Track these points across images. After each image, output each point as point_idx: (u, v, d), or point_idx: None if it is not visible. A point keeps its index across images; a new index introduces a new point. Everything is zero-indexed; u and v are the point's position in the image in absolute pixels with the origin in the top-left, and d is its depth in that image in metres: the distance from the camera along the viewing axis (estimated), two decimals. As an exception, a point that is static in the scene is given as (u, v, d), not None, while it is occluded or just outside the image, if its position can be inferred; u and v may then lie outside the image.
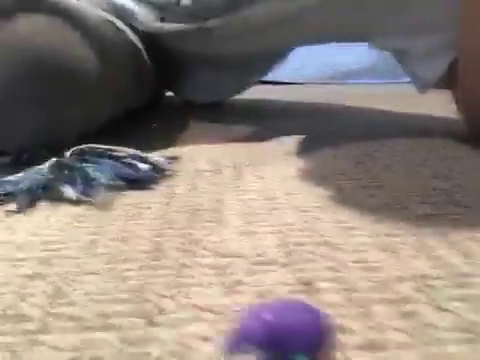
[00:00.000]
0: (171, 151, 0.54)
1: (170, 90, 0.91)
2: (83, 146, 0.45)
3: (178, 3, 0.71)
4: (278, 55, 0.86)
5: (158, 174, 0.44)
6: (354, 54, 1.34)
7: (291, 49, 0.86)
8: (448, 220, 0.33)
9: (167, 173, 0.45)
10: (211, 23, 0.68)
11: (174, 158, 0.49)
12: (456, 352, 0.19)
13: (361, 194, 0.38)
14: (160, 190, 0.41)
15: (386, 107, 0.91)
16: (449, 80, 0.55)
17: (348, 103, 0.98)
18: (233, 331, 0.10)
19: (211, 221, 0.34)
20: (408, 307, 0.23)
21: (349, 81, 1.35)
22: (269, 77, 1.02)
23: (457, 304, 0.22)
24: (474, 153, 0.50)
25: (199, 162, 0.50)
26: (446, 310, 0.22)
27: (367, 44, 0.65)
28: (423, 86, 0.58)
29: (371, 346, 0.20)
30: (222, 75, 0.86)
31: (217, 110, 0.85)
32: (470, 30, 0.49)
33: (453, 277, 0.25)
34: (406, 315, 0.22)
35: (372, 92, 1.21)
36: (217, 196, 0.39)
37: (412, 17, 0.57)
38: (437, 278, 0.25)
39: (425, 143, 0.55)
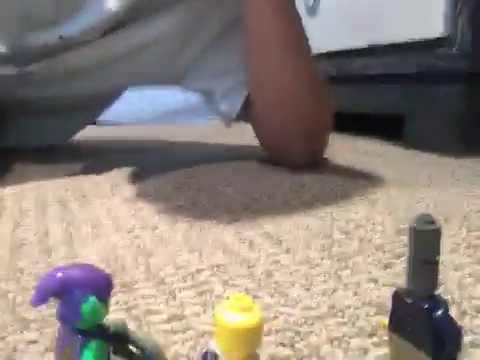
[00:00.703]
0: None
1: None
2: None
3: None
4: (107, 98, 0.90)
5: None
6: (181, 95, 1.46)
7: (122, 91, 0.92)
8: (244, 223, 0.41)
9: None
10: (31, 68, 0.69)
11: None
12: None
13: (178, 212, 0.45)
14: (-19, 231, 0.41)
15: (207, 140, 1.02)
16: (248, 113, 0.67)
17: (173, 139, 1.07)
18: (34, 288, 0.15)
19: (35, 252, 0.36)
20: (204, 287, 0.29)
21: (178, 120, 1.47)
22: (103, 118, 1.06)
23: (244, 280, 0.30)
24: (269, 171, 0.62)
25: (23, 202, 0.51)
26: (233, 284, 0.29)
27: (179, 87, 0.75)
28: (227, 120, 0.69)
29: (172, 318, 0.25)
30: (48, 120, 0.86)
31: (45, 152, 0.84)
32: (253, 75, 0.61)
33: (239, 262, 0.33)
34: (201, 293, 0.28)
35: (198, 128, 1.33)
36: (42, 229, 0.41)
37: (215, 63, 0.68)
38: (228, 264, 0.33)
39: (232, 167, 0.65)
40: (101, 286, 0.16)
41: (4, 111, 0.80)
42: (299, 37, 0.59)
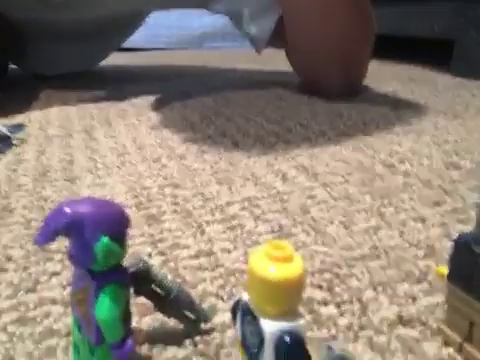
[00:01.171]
0: (18, 119, 0.52)
1: (15, 63, 0.85)
2: None
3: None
4: (131, 22, 0.85)
5: (1, 143, 0.42)
6: (208, 18, 1.38)
7: (144, 16, 0.86)
8: (277, 155, 0.38)
9: (14, 142, 0.44)
10: None
11: (20, 126, 0.47)
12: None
13: (206, 142, 0.43)
14: (6, 159, 0.40)
15: (237, 66, 0.97)
16: (281, 39, 0.61)
17: (201, 64, 1.02)
18: (41, 225, 0.13)
19: (59, 180, 0.35)
20: (234, 222, 0.27)
21: (205, 45, 1.39)
22: (127, 44, 1.01)
23: (277, 215, 0.28)
24: (303, 100, 0.58)
25: (48, 128, 0.49)
26: (265, 219, 0.27)
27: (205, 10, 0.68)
28: (258, 45, 0.63)
29: (200, 254, 0.24)
30: (73, 47, 0.82)
31: (70, 79, 0.82)
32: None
33: (272, 196, 0.31)
34: (232, 228, 0.27)
35: (225, 54, 1.27)
36: (67, 158, 0.40)
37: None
38: (260, 198, 0.30)
39: (264, 95, 0.61)
40: (115, 224, 0.14)
41: (28, 37, 0.77)
42: None
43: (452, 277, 0.16)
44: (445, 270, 0.17)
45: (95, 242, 0.13)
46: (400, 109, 0.52)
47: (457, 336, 0.16)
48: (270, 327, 0.12)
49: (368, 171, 0.34)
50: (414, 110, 0.51)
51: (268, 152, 0.39)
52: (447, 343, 0.17)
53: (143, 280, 0.17)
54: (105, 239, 0.13)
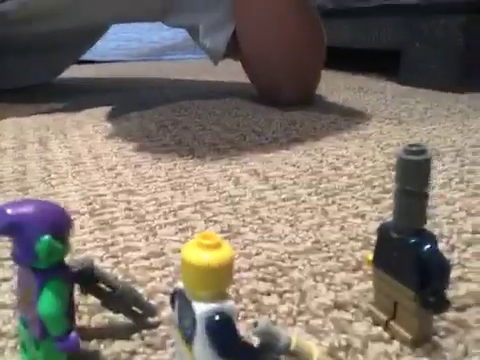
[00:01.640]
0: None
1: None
2: None
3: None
4: (90, 34, 0.85)
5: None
6: (168, 31, 1.39)
7: (103, 29, 0.86)
8: (231, 160, 0.40)
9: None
10: (5, 6, 0.64)
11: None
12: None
13: (161, 150, 0.43)
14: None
15: (197, 78, 0.98)
16: (238, 51, 0.63)
17: (160, 76, 1.02)
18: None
19: (11, 190, 0.34)
20: (185, 224, 0.28)
21: (165, 57, 1.40)
22: (87, 56, 1.01)
23: (227, 217, 0.29)
24: (259, 109, 0.60)
25: (2, 141, 0.49)
26: (215, 221, 0.28)
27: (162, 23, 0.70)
28: (215, 57, 0.65)
29: (151, 255, 0.25)
30: (32, 59, 0.81)
31: (28, 91, 0.81)
32: (240, 3, 0.57)
33: (224, 199, 0.32)
34: (183, 230, 0.27)
35: (185, 65, 1.28)
36: (20, 169, 0.39)
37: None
38: (212, 202, 0.31)
39: (221, 105, 0.63)
40: (56, 223, 0.14)
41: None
42: None
43: (376, 261, 0.18)
44: (371, 256, 0.18)
45: (36, 240, 0.14)
46: (349, 116, 0.54)
47: (384, 315, 0.18)
48: (201, 308, 0.13)
49: (316, 173, 0.36)
50: (362, 117, 0.54)
51: (222, 158, 0.40)
52: (376, 322, 0.18)
53: (88, 278, 0.17)
54: (46, 237, 0.14)
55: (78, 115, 0.60)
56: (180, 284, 0.14)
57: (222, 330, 0.12)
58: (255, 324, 0.13)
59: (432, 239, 0.16)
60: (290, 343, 0.13)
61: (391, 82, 0.79)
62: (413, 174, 0.15)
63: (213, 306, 0.13)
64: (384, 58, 0.87)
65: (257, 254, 0.24)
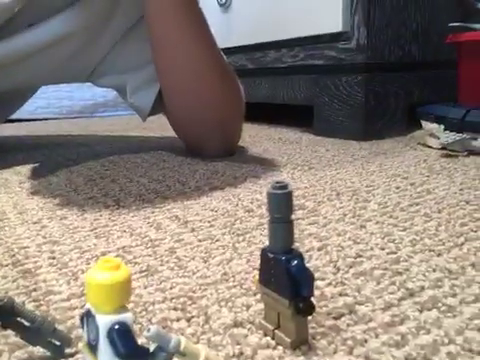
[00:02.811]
0: None
1: None
2: None
3: None
4: (19, 95, 0.86)
5: None
6: (99, 89, 1.43)
7: (33, 90, 0.88)
8: (154, 209, 0.43)
9: None
10: None
11: None
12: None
13: (88, 203, 0.45)
14: None
15: (127, 133, 1.02)
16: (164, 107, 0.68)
17: (90, 133, 1.05)
18: None
19: None
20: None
21: (96, 114, 1.43)
22: (16, 115, 1.01)
23: (147, 258, 0.31)
24: (185, 161, 0.64)
25: None
26: (135, 262, 0.31)
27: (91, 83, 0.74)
28: (142, 114, 0.69)
29: (72, 296, 0.27)
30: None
31: None
32: (159, 65, 0.62)
33: (145, 243, 0.34)
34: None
35: (116, 122, 1.31)
36: None
37: (125, 59, 0.68)
38: (134, 246, 0.34)
39: (149, 158, 0.66)
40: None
41: None
42: (202, 31, 0.61)
43: (261, 279, 0.21)
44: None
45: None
46: (267, 165, 0.60)
47: (271, 326, 0.21)
48: (103, 320, 0.15)
49: (231, 216, 0.40)
50: (277, 165, 0.60)
51: (146, 207, 0.43)
52: (266, 333, 0.22)
53: (8, 313, 0.19)
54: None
55: (4, 173, 0.60)
56: (88, 305, 0.17)
57: (120, 337, 0.15)
58: (148, 330, 0.15)
59: (299, 256, 0.20)
60: (180, 344, 0.16)
61: (307, 133, 0.87)
62: (278, 204, 0.20)
63: (113, 317, 0.15)
64: (301, 111, 0.96)
65: (171, 288, 0.27)
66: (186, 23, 0.58)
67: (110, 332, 0.15)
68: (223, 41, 0.63)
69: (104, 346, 0.15)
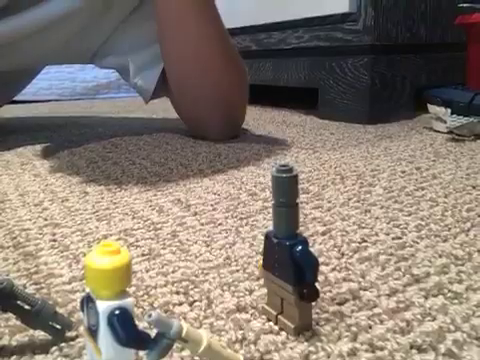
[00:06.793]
0: None
1: None
2: None
3: None
4: (22, 75, 0.85)
5: None
6: (101, 70, 1.41)
7: (35, 71, 0.87)
8: (156, 192, 0.42)
9: None
10: None
11: None
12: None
13: (89, 185, 0.45)
14: None
15: (129, 115, 1.01)
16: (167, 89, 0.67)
17: (93, 114, 1.04)
18: None
19: None
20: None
21: (98, 96, 1.42)
22: (19, 97, 1.00)
23: (149, 242, 0.31)
24: (188, 144, 0.63)
25: None
26: (137, 246, 0.31)
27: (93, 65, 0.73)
28: (145, 96, 0.68)
29: (73, 280, 0.26)
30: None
31: None
32: (167, 45, 0.61)
33: (147, 226, 0.34)
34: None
35: (118, 104, 1.30)
36: None
37: (128, 39, 0.67)
38: (136, 229, 0.34)
39: (151, 141, 0.66)
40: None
41: None
42: (208, 10, 0.59)
43: (265, 264, 0.21)
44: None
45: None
46: (270, 147, 0.59)
47: (274, 311, 0.21)
48: (103, 305, 0.15)
49: (234, 199, 0.39)
50: (281, 148, 0.59)
51: (149, 190, 0.43)
52: (269, 319, 0.21)
53: (8, 296, 0.19)
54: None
55: (7, 154, 0.60)
56: (87, 289, 0.16)
57: (121, 322, 0.15)
58: (149, 315, 0.15)
59: (304, 241, 0.20)
60: (181, 330, 0.16)
61: (311, 116, 0.86)
62: (283, 188, 0.19)
63: (113, 303, 0.15)
64: (306, 94, 0.95)
65: (173, 272, 0.27)
66: (192, 2, 0.57)
67: (110, 318, 0.15)
68: (226, 22, 0.61)
69: (104, 332, 0.15)
